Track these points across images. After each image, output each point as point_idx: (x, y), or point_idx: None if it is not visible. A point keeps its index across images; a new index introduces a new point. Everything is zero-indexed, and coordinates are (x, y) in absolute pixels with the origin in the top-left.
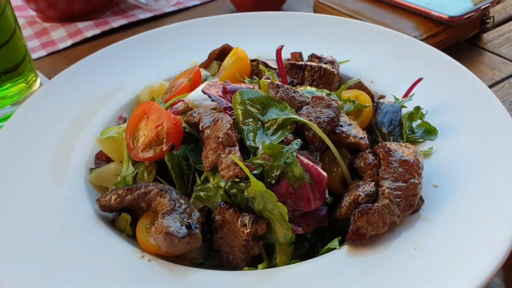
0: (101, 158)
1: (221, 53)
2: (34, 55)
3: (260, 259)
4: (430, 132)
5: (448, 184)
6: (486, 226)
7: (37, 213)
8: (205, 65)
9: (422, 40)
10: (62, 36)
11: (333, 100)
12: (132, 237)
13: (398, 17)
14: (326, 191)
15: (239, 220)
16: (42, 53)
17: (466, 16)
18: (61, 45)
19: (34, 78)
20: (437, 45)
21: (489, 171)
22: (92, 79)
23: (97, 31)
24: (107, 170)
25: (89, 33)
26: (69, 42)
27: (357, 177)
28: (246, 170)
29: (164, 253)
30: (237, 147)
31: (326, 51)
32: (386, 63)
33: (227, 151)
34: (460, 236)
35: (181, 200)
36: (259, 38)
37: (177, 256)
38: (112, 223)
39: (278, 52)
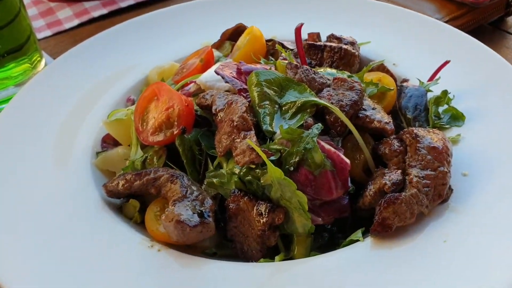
0: (108, 142)
1: (235, 33)
2: (39, 35)
3: (277, 251)
4: (457, 118)
5: (477, 173)
6: None
7: (40, 199)
8: (218, 45)
9: (445, 22)
10: (68, 16)
11: (356, 82)
12: (140, 225)
13: (420, 0)
14: (349, 179)
15: (255, 208)
16: (48, 33)
17: None
18: (67, 25)
19: (39, 58)
20: (460, 28)
21: None
22: (98, 59)
23: (104, 11)
24: (114, 154)
25: (96, 13)
26: (75, 22)
27: (381, 164)
28: (263, 156)
29: (174, 242)
30: (253, 132)
31: (346, 33)
32: (408, 45)
33: (242, 136)
34: (492, 228)
35: (193, 187)
36: (274, 18)
37: (188, 246)
38: (120, 210)
39: (298, 30)
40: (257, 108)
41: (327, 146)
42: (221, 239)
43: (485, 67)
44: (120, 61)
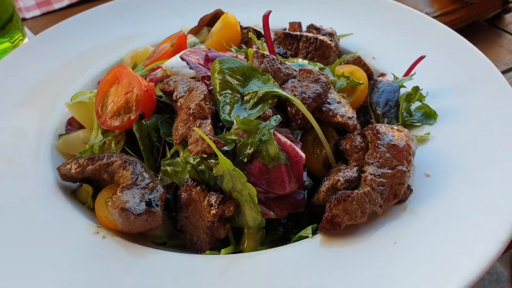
0: (74, 125)
1: (213, 19)
2: (28, 14)
3: (229, 243)
4: (429, 116)
5: (442, 174)
6: (476, 224)
7: None
8: (195, 31)
9: (435, 17)
10: None
11: (322, 74)
12: (93, 211)
13: None
14: (305, 173)
15: (206, 199)
16: (37, 12)
17: None
18: (57, 5)
19: (21, 38)
20: (452, 24)
21: (488, 164)
22: (77, 39)
23: None
24: (75, 137)
25: None
26: (65, 3)
27: (343, 160)
28: (213, 146)
29: (121, 230)
30: (209, 120)
31: (329, 23)
32: (392, 39)
33: (197, 124)
34: (447, 232)
35: (145, 174)
36: (258, 5)
37: (139, 234)
38: (74, 195)
39: (265, 18)
40: (217, 96)
41: (283, 139)
42: (174, 229)
43: (467, 65)
44: (97, 43)
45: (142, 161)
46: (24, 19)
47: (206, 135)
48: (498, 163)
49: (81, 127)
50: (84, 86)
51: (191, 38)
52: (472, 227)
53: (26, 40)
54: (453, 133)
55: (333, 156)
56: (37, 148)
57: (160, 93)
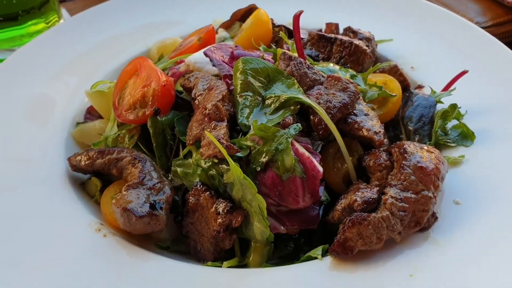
0: (93, 113)
1: (246, 14)
2: None
3: (234, 254)
4: (466, 136)
5: (472, 203)
6: (505, 264)
7: (4, 157)
8: (227, 25)
9: (487, 27)
10: None
11: (352, 83)
12: (99, 205)
13: None
14: (321, 188)
15: (214, 206)
16: None
17: None
18: None
19: (57, 19)
20: (505, 36)
21: None
22: (109, 25)
23: None
24: (92, 127)
25: None
26: None
27: (366, 178)
28: (224, 152)
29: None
30: (225, 123)
31: (370, 27)
32: (435, 49)
33: (212, 126)
34: (471, 269)
35: (153, 173)
36: (297, 2)
37: (143, 235)
38: (83, 186)
39: (296, 18)
40: (237, 97)
41: (301, 150)
42: (179, 233)
43: None
44: (128, 30)
45: (154, 159)
46: (63, 1)
47: (220, 139)
48: None
49: (100, 116)
50: (108, 75)
51: (221, 33)
52: (499, 267)
53: (61, 21)
54: (490, 158)
55: (355, 172)
56: (53, 135)
57: (181, 89)
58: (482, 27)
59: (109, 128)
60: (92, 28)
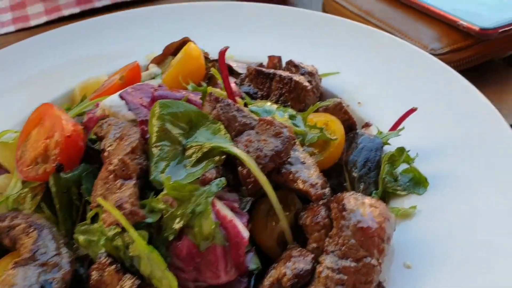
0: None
1: (180, 48)
2: (1, 30)
3: None
4: (418, 182)
5: (426, 266)
6: None
7: None
8: (159, 60)
9: (443, 54)
10: (38, 12)
11: (286, 127)
12: None
13: (417, 23)
14: (250, 255)
15: (119, 284)
16: (11, 28)
17: (503, 30)
18: (33, 22)
19: None
20: (462, 62)
21: (488, 254)
22: (34, 62)
23: (76, 9)
24: None
25: (67, 11)
26: (43, 20)
27: (303, 237)
28: (123, 221)
29: None
30: (133, 181)
31: (317, 59)
32: (384, 81)
33: (118, 185)
34: None
35: (50, 244)
36: (238, 34)
37: None
38: None
39: (221, 54)
40: (152, 148)
41: (223, 212)
42: None
43: (472, 119)
44: (53, 68)
45: (56, 223)
46: None
47: (123, 203)
48: (499, 252)
49: (8, 171)
50: (21, 122)
51: (152, 69)
52: None
53: None
54: (446, 208)
55: (290, 232)
56: None
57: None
58: (438, 54)
59: (12, 186)
60: (13, 66)
